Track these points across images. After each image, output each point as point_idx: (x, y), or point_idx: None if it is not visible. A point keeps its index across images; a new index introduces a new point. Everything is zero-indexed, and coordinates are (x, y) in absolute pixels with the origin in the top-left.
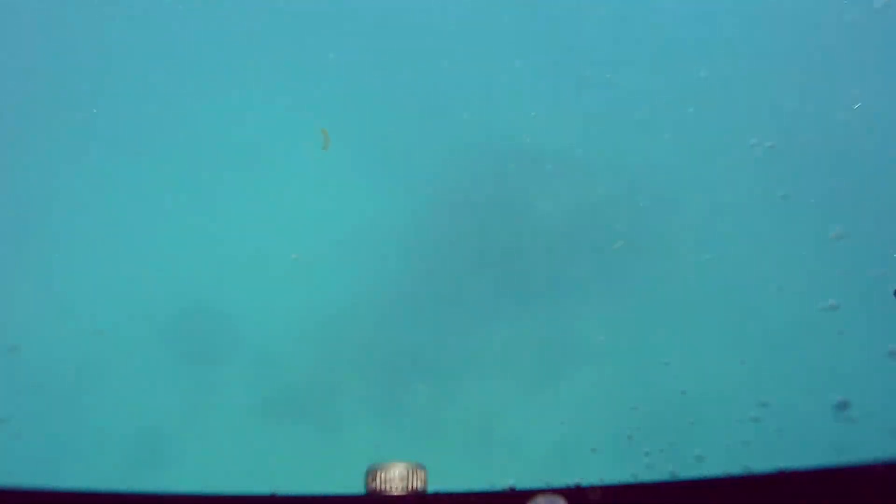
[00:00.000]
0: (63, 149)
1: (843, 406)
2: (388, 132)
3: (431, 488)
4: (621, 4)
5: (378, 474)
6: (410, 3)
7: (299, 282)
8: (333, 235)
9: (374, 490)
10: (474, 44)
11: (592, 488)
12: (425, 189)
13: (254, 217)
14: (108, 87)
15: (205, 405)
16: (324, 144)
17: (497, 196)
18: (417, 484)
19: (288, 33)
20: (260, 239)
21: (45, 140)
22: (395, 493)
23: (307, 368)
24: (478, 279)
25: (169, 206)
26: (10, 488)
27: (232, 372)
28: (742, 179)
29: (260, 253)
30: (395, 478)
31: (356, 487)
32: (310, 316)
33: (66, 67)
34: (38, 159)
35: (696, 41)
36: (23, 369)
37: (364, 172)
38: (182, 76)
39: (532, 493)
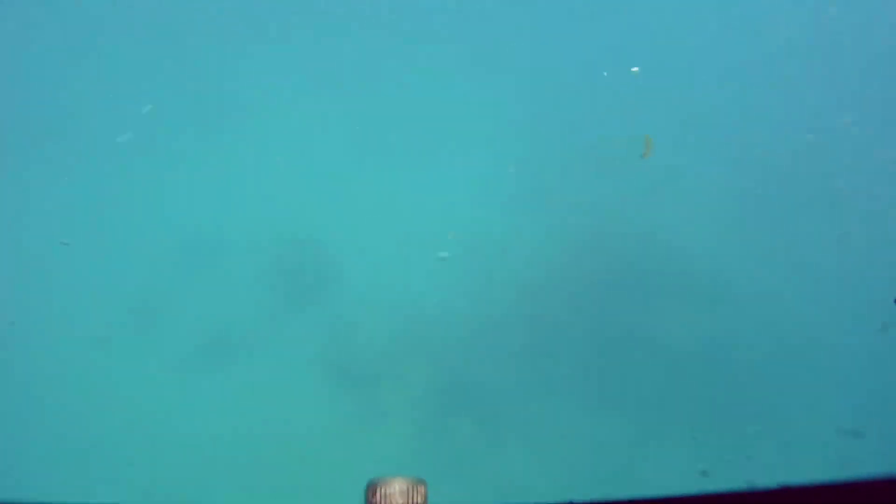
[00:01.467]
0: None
1: (851, 432)
2: (559, 175)
3: (431, 503)
4: None
5: (378, 489)
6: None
7: (405, 264)
8: (464, 233)
9: None
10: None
11: None
12: (568, 239)
13: (406, 193)
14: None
15: (276, 343)
16: (645, 151)
17: (625, 291)
18: (418, 499)
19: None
20: (395, 213)
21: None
22: None
23: (374, 350)
24: (566, 349)
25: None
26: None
27: (311, 321)
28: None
29: (387, 223)
30: (395, 493)
31: (356, 502)
32: (400, 301)
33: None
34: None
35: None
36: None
37: (518, 190)
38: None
39: None
